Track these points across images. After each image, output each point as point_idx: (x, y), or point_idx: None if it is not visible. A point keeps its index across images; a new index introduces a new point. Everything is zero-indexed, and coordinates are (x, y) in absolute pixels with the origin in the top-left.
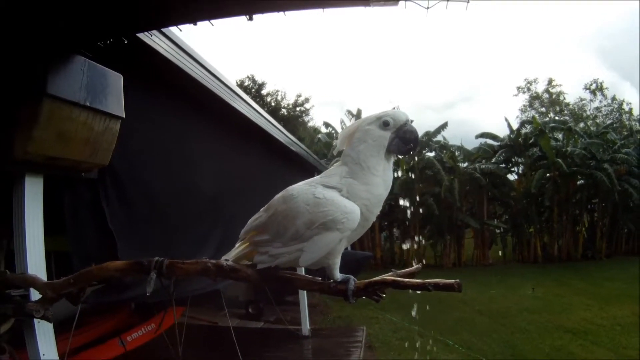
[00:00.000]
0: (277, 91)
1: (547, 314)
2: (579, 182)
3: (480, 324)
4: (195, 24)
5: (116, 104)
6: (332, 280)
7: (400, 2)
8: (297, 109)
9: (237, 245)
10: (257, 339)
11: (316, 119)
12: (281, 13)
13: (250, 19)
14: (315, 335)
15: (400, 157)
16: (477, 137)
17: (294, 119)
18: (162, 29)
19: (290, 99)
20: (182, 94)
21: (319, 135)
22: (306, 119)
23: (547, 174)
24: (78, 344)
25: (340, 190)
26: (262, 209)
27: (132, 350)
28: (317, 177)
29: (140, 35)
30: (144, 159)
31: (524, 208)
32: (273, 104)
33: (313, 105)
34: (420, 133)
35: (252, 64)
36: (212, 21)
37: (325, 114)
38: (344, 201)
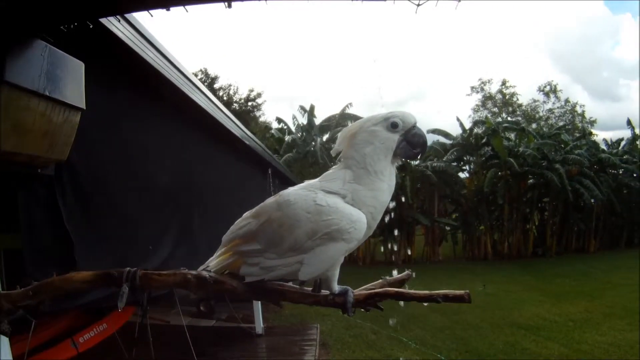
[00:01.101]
0: (230, 85)
1: (499, 310)
2: (530, 182)
3: (433, 321)
4: (168, 9)
5: (77, 94)
6: (329, 293)
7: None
8: (249, 103)
9: (217, 253)
10: (210, 338)
11: (267, 114)
12: (262, 2)
13: (229, 6)
14: (269, 333)
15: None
16: (429, 132)
17: (245, 113)
18: (125, 15)
19: (242, 94)
20: (141, 84)
21: (272, 131)
22: (258, 114)
23: (499, 173)
24: (29, 347)
25: (344, 196)
26: (248, 214)
27: (84, 351)
28: (314, 181)
29: (102, 21)
30: (101, 152)
31: (474, 206)
32: (225, 98)
33: (265, 100)
34: None
35: (205, 57)
36: (186, 7)
37: (277, 109)
38: (350, 209)
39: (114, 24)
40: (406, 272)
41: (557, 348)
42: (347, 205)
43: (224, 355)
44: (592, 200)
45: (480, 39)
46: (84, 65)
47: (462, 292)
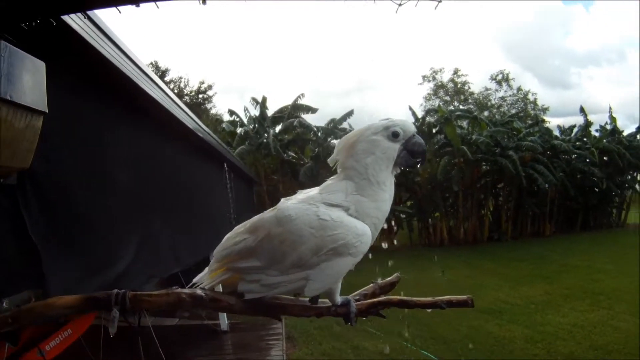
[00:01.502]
0: (180, 78)
1: (459, 295)
2: (484, 168)
3: (396, 309)
4: (137, 5)
5: (39, 97)
6: (331, 304)
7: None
8: (200, 96)
9: (209, 268)
10: (175, 337)
11: (218, 106)
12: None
13: (204, 2)
14: (234, 330)
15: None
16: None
17: (196, 106)
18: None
19: (193, 86)
20: (97, 80)
21: (223, 124)
22: (209, 106)
23: (453, 161)
24: None
25: (347, 208)
26: (241, 228)
27: (52, 359)
28: (314, 193)
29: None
30: (63, 157)
31: (429, 193)
32: (176, 91)
33: (216, 93)
34: (325, 120)
35: (154, 49)
36: (157, 3)
37: (227, 101)
38: (355, 222)
39: (69, 17)
40: (395, 274)
41: (520, 330)
42: (351, 218)
43: (191, 354)
44: (546, 185)
45: (431, 27)
46: (44, 65)
47: (465, 297)
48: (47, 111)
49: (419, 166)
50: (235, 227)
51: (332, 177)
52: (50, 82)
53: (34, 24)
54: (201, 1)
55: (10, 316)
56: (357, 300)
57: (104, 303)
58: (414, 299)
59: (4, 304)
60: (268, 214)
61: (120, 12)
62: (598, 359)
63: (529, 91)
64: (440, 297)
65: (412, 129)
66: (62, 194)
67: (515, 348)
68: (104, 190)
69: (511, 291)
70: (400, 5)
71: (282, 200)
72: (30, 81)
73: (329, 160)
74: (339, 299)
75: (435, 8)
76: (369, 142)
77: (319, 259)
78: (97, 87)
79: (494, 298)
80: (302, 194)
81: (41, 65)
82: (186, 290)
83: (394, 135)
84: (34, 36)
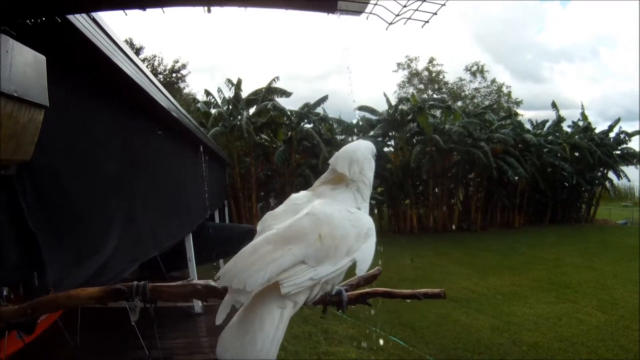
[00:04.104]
0: (155, 56)
1: (428, 283)
2: (455, 158)
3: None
4: (144, 9)
5: (40, 91)
6: (326, 293)
7: (363, 15)
8: (174, 75)
9: (233, 302)
10: (149, 319)
11: (191, 86)
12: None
13: (209, 11)
14: (207, 312)
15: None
16: (357, 109)
17: (170, 85)
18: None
19: (167, 65)
20: (88, 70)
21: (198, 105)
22: (182, 85)
23: (425, 149)
24: None
25: (359, 208)
26: (266, 247)
27: (30, 342)
28: (328, 201)
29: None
30: (60, 149)
31: (400, 181)
32: (150, 69)
33: (189, 72)
34: (298, 105)
35: (128, 24)
36: (164, 9)
37: (199, 81)
38: (366, 214)
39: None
40: (377, 267)
41: (487, 320)
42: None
43: (167, 336)
44: (516, 178)
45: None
46: (45, 59)
47: (438, 290)
48: (48, 105)
49: None
50: (245, 254)
51: (330, 187)
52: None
53: (38, 21)
54: (206, 10)
55: (30, 307)
56: (346, 291)
57: (126, 294)
58: (396, 290)
59: (4, 292)
60: (301, 221)
61: (126, 15)
62: (562, 350)
63: (503, 84)
64: (418, 290)
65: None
66: (57, 184)
67: (481, 337)
68: (92, 177)
69: (479, 281)
70: (390, 24)
71: (308, 210)
72: (33, 76)
73: (339, 168)
74: (333, 290)
75: (422, 27)
76: (369, 161)
77: (360, 243)
78: (82, 74)
79: (462, 287)
80: (318, 202)
81: (42, 60)
82: (201, 282)
83: (374, 155)
84: (28, 28)
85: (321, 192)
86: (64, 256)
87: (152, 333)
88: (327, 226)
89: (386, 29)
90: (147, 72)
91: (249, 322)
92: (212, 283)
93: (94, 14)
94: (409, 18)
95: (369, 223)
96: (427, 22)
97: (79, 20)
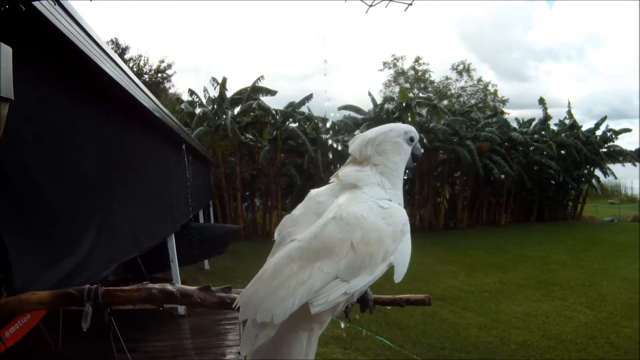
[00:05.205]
0: (140, 56)
1: (414, 282)
2: (441, 157)
3: None
4: None
5: (6, 84)
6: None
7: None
8: (159, 75)
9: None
10: (131, 321)
11: (177, 85)
12: None
13: None
14: (190, 314)
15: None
16: (340, 108)
17: (155, 85)
18: None
19: (152, 64)
20: (62, 65)
21: (182, 104)
22: (168, 85)
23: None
24: None
25: (390, 199)
26: (292, 267)
27: (12, 346)
28: (353, 192)
29: None
30: (29, 145)
31: None
32: (135, 69)
33: (175, 72)
34: (283, 104)
35: (114, 24)
36: None
37: (185, 81)
38: (399, 206)
39: None
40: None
41: (475, 318)
42: (396, 204)
43: (150, 338)
44: (502, 176)
45: (392, 15)
46: (11, 50)
47: (422, 296)
48: (13, 98)
49: (414, 168)
50: (266, 276)
51: (356, 168)
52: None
53: (2, 9)
54: None
55: None
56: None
57: (77, 298)
58: (381, 296)
59: None
60: (329, 229)
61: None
62: (550, 348)
63: (489, 82)
64: (400, 295)
65: (418, 136)
66: (26, 183)
67: (469, 335)
68: (65, 175)
69: (466, 279)
70: (370, 6)
71: (334, 212)
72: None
73: (351, 150)
74: None
75: (405, 10)
76: (394, 143)
77: (397, 243)
78: (56, 68)
79: (449, 285)
80: (345, 197)
81: (8, 51)
82: (157, 286)
83: (411, 140)
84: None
85: (345, 179)
86: (34, 258)
87: (109, 338)
88: (360, 231)
89: (366, 12)
90: (124, 66)
91: (276, 351)
92: (168, 287)
93: (64, 4)
94: (391, 0)
95: (403, 217)
96: (410, 4)
97: (47, 8)
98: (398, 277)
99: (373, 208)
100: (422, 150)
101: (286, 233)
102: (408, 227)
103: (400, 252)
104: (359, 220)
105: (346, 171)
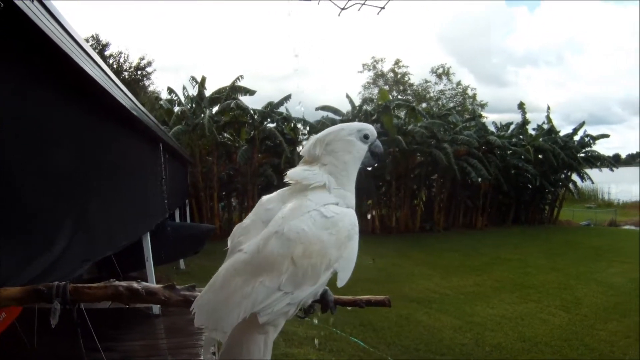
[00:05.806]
0: (120, 53)
1: (390, 284)
2: (418, 159)
3: None
4: None
5: None
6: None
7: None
8: (139, 72)
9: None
10: (105, 320)
11: (156, 83)
12: None
13: None
14: (165, 313)
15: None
16: (318, 109)
17: (135, 82)
18: None
19: (132, 61)
20: (37, 59)
21: (161, 102)
22: (147, 82)
23: (388, 150)
24: None
25: (337, 203)
26: (236, 280)
27: None
28: (300, 202)
29: None
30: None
31: (362, 180)
32: (115, 66)
33: (155, 70)
34: (262, 104)
35: (95, 21)
36: None
37: (164, 79)
38: (348, 209)
39: None
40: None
41: (449, 320)
42: (343, 207)
43: (124, 338)
44: (479, 179)
45: (372, 17)
46: None
47: (382, 297)
48: None
49: (375, 166)
50: (216, 286)
51: (304, 168)
52: None
53: None
54: None
55: None
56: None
57: (45, 295)
58: (341, 297)
59: None
60: (270, 245)
61: None
62: (525, 350)
63: (468, 86)
64: (360, 297)
65: (376, 133)
66: (0, 180)
67: (444, 337)
68: (40, 172)
69: (441, 281)
70: (342, 9)
71: (277, 226)
72: None
73: (302, 152)
74: None
75: (378, 13)
76: (346, 142)
77: (341, 251)
78: (32, 65)
79: (424, 287)
80: (290, 207)
81: None
82: (124, 283)
83: (365, 137)
84: None
85: (291, 177)
86: (8, 255)
87: (77, 336)
88: (301, 245)
89: (338, 14)
90: (102, 63)
91: (236, 352)
92: (134, 285)
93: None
94: (363, 3)
95: (349, 223)
96: (383, 8)
97: (26, 4)
98: (341, 282)
99: (316, 219)
100: (383, 148)
101: (236, 242)
102: (356, 230)
103: (345, 259)
104: (299, 235)
105: (294, 170)
